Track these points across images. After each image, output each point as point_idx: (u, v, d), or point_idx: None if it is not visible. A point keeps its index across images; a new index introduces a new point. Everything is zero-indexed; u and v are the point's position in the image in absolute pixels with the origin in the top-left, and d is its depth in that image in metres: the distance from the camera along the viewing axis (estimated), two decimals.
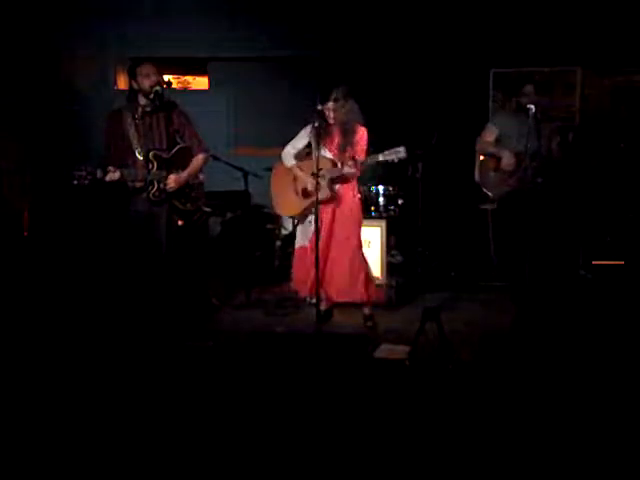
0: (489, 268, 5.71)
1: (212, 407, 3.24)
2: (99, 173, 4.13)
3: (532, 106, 4.93)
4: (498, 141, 5.38)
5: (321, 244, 4.47)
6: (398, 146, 4.40)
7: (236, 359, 3.95)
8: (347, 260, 4.63)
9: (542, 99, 5.38)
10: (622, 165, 6.10)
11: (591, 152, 6.15)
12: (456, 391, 3.44)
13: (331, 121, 4.59)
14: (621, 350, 4.01)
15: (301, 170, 4.73)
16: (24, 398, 3.35)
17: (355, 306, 4.81)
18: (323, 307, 4.76)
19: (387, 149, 4.43)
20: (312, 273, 4.47)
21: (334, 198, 4.64)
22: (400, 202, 5.72)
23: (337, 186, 4.67)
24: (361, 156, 4.55)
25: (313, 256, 4.40)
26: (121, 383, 3.52)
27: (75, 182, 4.10)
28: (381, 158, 4.44)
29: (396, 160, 4.42)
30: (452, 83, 6.62)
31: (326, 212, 4.63)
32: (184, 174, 4.31)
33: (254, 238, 6.13)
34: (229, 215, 6.45)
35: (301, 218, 4.85)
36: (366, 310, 4.77)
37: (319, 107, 4.48)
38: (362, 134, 4.61)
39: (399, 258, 5.73)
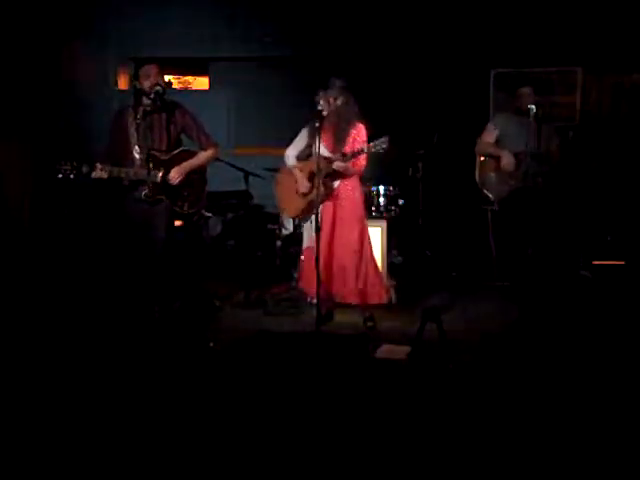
0: (489, 268, 5.71)
1: (213, 407, 3.24)
2: (85, 168, 4.14)
3: (533, 106, 4.93)
4: (498, 141, 5.39)
5: (323, 244, 4.46)
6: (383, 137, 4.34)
7: (236, 359, 3.95)
8: (348, 260, 4.59)
9: (541, 99, 5.40)
10: (622, 165, 6.11)
11: (591, 152, 6.15)
12: (456, 391, 3.44)
13: (324, 112, 4.47)
14: (621, 350, 4.01)
15: (300, 171, 4.72)
16: (24, 396, 3.35)
17: (355, 306, 4.81)
18: (324, 308, 4.75)
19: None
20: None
21: (329, 196, 4.59)
22: (401, 202, 5.71)
23: (336, 183, 4.63)
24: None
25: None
26: (122, 383, 3.51)
27: (60, 175, 4.12)
28: (365, 150, 4.39)
29: (381, 150, 4.35)
30: (453, 83, 6.62)
31: (327, 212, 4.60)
32: (185, 164, 4.33)
33: (255, 238, 6.14)
34: (230, 215, 6.46)
35: (304, 219, 4.84)
36: (366, 310, 4.76)
37: (320, 108, 4.46)
38: (360, 130, 4.57)
39: (400, 258, 5.73)
